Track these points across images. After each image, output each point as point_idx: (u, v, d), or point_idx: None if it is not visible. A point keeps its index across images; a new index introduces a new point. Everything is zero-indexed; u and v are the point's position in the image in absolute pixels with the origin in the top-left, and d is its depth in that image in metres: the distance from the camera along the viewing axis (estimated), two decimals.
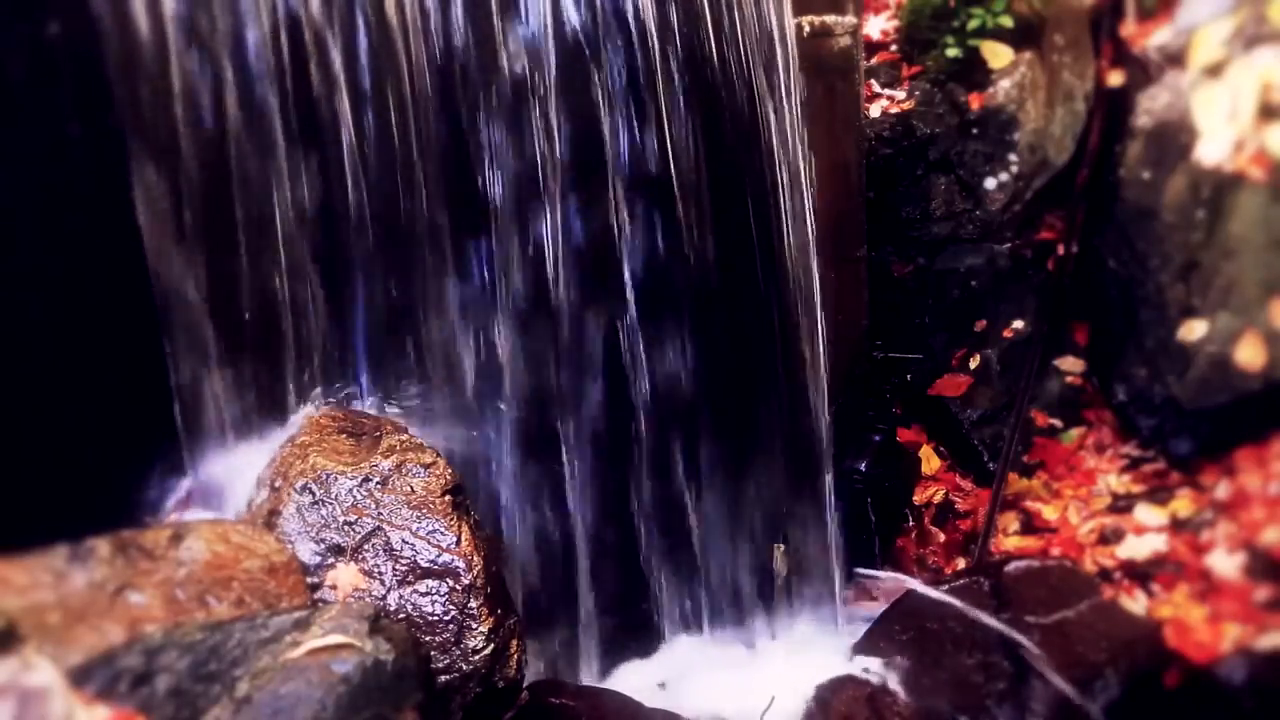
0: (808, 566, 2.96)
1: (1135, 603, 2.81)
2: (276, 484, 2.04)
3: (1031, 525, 3.15)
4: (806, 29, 2.86)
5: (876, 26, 3.54)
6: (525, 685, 2.05)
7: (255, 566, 1.86)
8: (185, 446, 2.15)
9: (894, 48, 3.53)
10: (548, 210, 2.43)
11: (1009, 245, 3.45)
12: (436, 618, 1.92)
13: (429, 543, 1.97)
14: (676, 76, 2.50)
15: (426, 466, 2.06)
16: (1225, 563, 2.81)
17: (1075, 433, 3.33)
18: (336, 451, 2.08)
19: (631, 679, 2.62)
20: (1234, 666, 2.59)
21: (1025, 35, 3.39)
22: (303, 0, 2.12)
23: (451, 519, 2.01)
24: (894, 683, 2.54)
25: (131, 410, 2.09)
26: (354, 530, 1.98)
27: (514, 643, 1.98)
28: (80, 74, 1.97)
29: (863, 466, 3.17)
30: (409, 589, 1.94)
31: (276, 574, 1.87)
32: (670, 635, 2.79)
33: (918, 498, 3.31)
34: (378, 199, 2.26)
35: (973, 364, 3.40)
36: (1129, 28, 3.49)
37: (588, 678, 2.62)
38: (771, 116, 2.68)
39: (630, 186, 2.51)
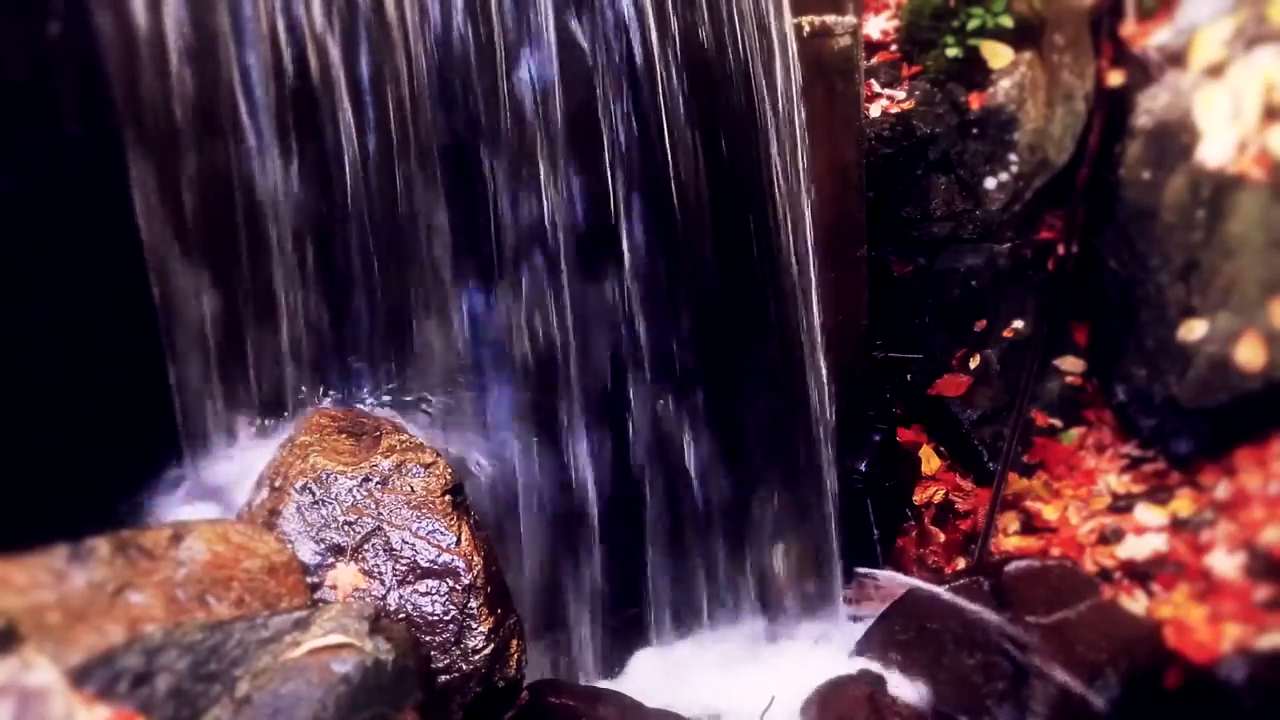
0: (808, 566, 2.96)
1: (1135, 603, 2.81)
2: (276, 484, 2.04)
3: (1031, 525, 3.15)
4: (806, 29, 2.86)
5: (876, 26, 3.54)
6: (525, 685, 2.05)
7: (255, 566, 1.86)
8: (185, 446, 2.15)
9: (894, 48, 3.53)
10: (547, 209, 2.43)
11: (1009, 245, 3.45)
12: (436, 617, 1.92)
13: (429, 543, 1.97)
14: (676, 76, 2.50)
15: (426, 466, 2.06)
16: (1225, 563, 2.81)
17: (1075, 433, 3.33)
18: (336, 451, 2.08)
19: (632, 679, 2.62)
20: (1234, 666, 2.59)
21: (1025, 35, 3.39)
22: (303, 1, 2.12)
23: (451, 519, 2.01)
24: (894, 683, 2.54)
25: (131, 410, 2.09)
26: (354, 530, 1.98)
27: (514, 642, 1.98)
28: (80, 74, 1.98)
29: (863, 466, 3.17)
30: (409, 589, 1.94)
31: (276, 574, 1.87)
32: (670, 635, 2.79)
33: (918, 498, 3.31)
34: (377, 198, 2.27)
35: (973, 364, 3.40)
36: (1129, 28, 3.49)
37: (588, 678, 2.62)
38: (771, 116, 2.68)
39: (630, 186, 2.51)
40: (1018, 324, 3.43)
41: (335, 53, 2.17)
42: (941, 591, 2.70)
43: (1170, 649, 2.64)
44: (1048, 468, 3.28)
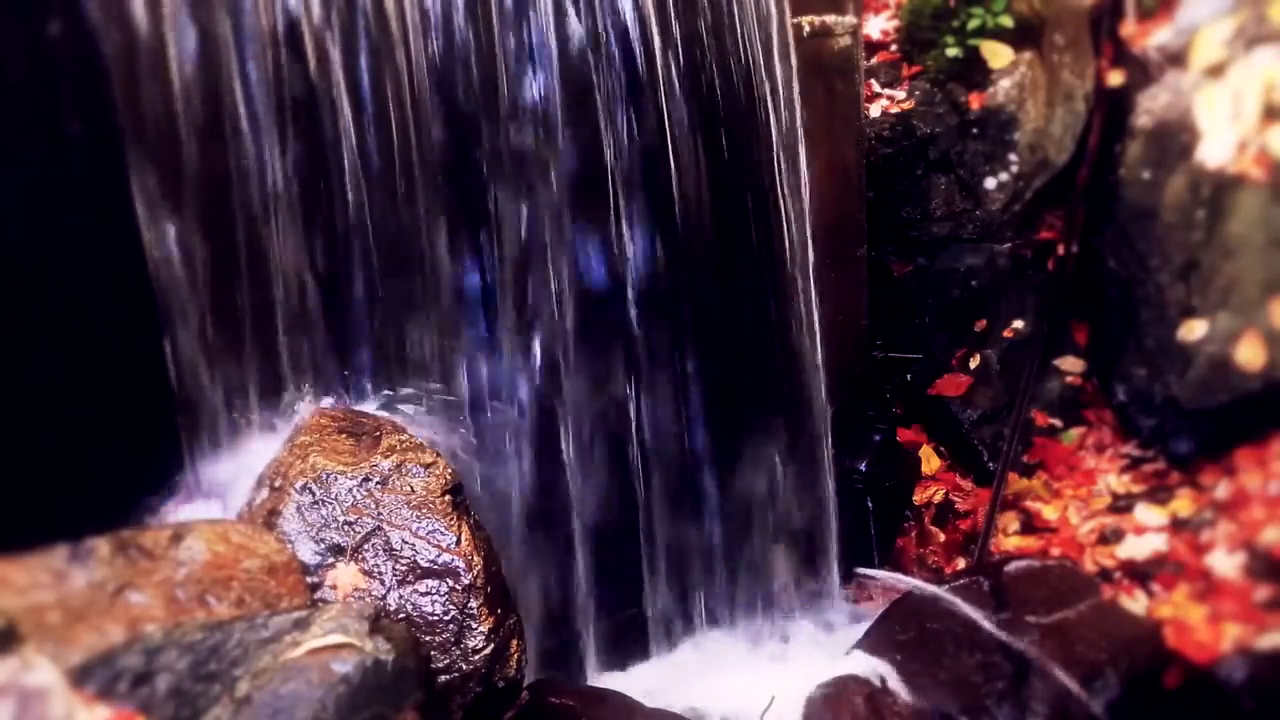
0: (808, 566, 2.96)
1: (1135, 603, 2.81)
2: (276, 484, 2.04)
3: (1031, 525, 3.15)
4: (806, 29, 2.86)
5: (876, 26, 3.55)
6: (525, 685, 2.05)
7: (255, 566, 1.86)
8: (185, 446, 2.15)
9: (894, 48, 3.53)
10: (548, 210, 2.43)
11: (1009, 245, 3.45)
12: (436, 617, 1.92)
13: (429, 543, 1.97)
14: (676, 76, 2.50)
15: (426, 466, 2.06)
16: (1225, 563, 2.81)
17: (1075, 433, 3.33)
18: (336, 451, 2.08)
19: (632, 679, 2.62)
20: (1234, 666, 2.59)
21: (1025, 35, 3.39)
22: (303, 1, 2.12)
23: (451, 519, 2.01)
24: (894, 683, 2.54)
25: (131, 410, 2.09)
26: (354, 530, 1.98)
27: (514, 642, 1.98)
28: (80, 74, 1.98)
29: (863, 466, 3.17)
30: (409, 589, 1.94)
31: (276, 574, 1.87)
32: (670, 635, 2.79)
33: (918, 498, 3.31)
34: (377, 199, 2.26)
35: (973, 364, 3.40)
36: (1129, 28, 3.49)
37: (588, 678, 2.62)
38: (771, 116, 2.68)
39: (630, 187, 2.51)
40: (1018, 324, 3.43)
41: (335, 53, 2.17)
42: (941, 591, 2.70)
43: (1170, 649, 2.64)
44: (1048, 468, 3.28)
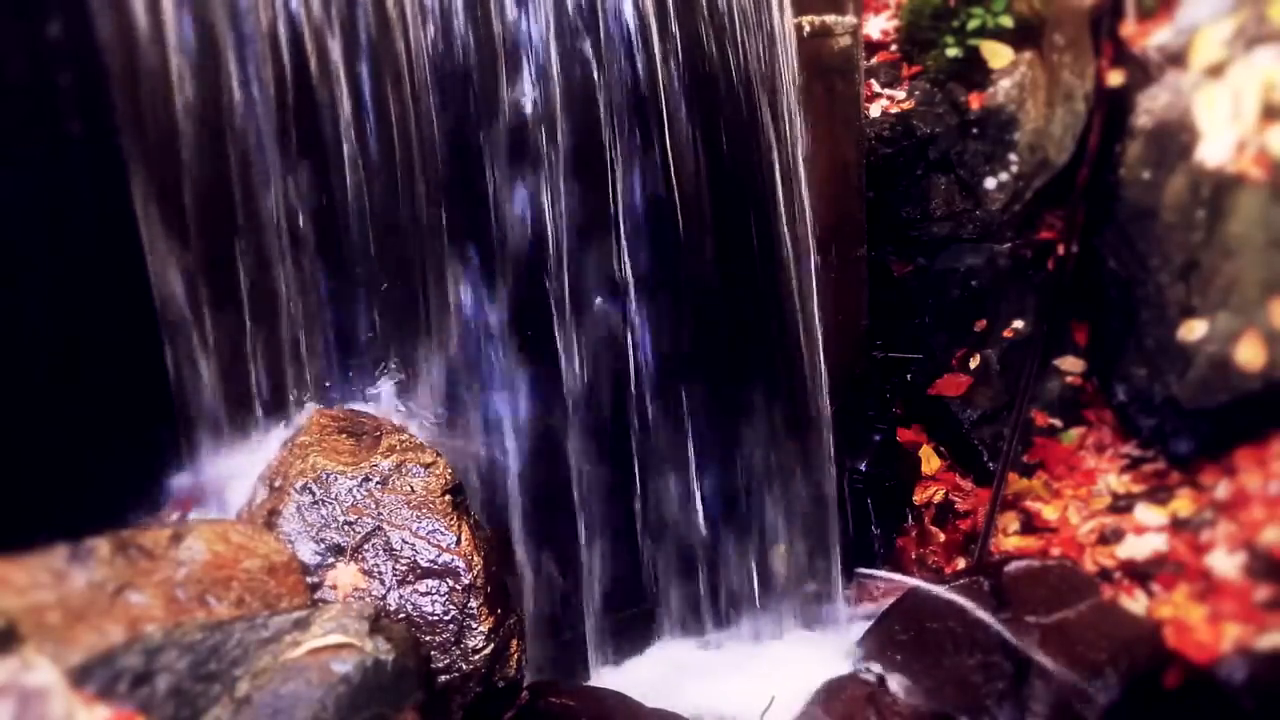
0: (808, 566, 2.96)
1: (1135, 603, 2.81)
2: (276, 484, 2.04)
3: (1031, 525, 3.15)
4: (806, 29, 2.86)
5: (876, 26, 3.54)
6: (525, 685, 2.05)
7: (255, 566, 1.86)
8: (185, 446, 2.15)
9: (894, 48, 3.53)
10: (548, 210, 2.44)
11: (1009, 245, 3.45)
12: (436, 617, 1.92)
13: (429, 542, 1.97)
14: (677, 76, 2.50)
15: (426, 466, 2.06)
16: (1225, 563, 2.81)
17: (1075, 433, 3.33)
18: (336, 451, 2.08)
19: (632, 678, 2.62)
20: (1234, 666, 2.59)
21: (1025, 35, 3.39)
22: (303, 0, 2.12)
23: (451, 519, 2.01)
24: (894, 683, 2.54)
25: (131, 410, 2.09)
26: (354, 530, 1.98)
27: (514, 642, 1.98)
28: (80, 74, 1.98)
29: (863, 466, 3.17)
30: (409, 589, 1.94)
31: (276, 574, 1.87)
32: (671, 635, 2.79)
33: (918, 498, 3.31)
34: (378, 199, 2.27)
35: (973, 364, 3.40)
36: (1129, 28, 3.49)
37: (588, 678, 2.62)
38: (771, 116, 2.68)
39: (631, 187, 2.51)
40: (1018, 324, 3.43)
41: (335, 52, 2.17)
42: (942, 591, 2.70)
43: (1170, 649, 2.64)
44: (1048, 468, 3.28)
